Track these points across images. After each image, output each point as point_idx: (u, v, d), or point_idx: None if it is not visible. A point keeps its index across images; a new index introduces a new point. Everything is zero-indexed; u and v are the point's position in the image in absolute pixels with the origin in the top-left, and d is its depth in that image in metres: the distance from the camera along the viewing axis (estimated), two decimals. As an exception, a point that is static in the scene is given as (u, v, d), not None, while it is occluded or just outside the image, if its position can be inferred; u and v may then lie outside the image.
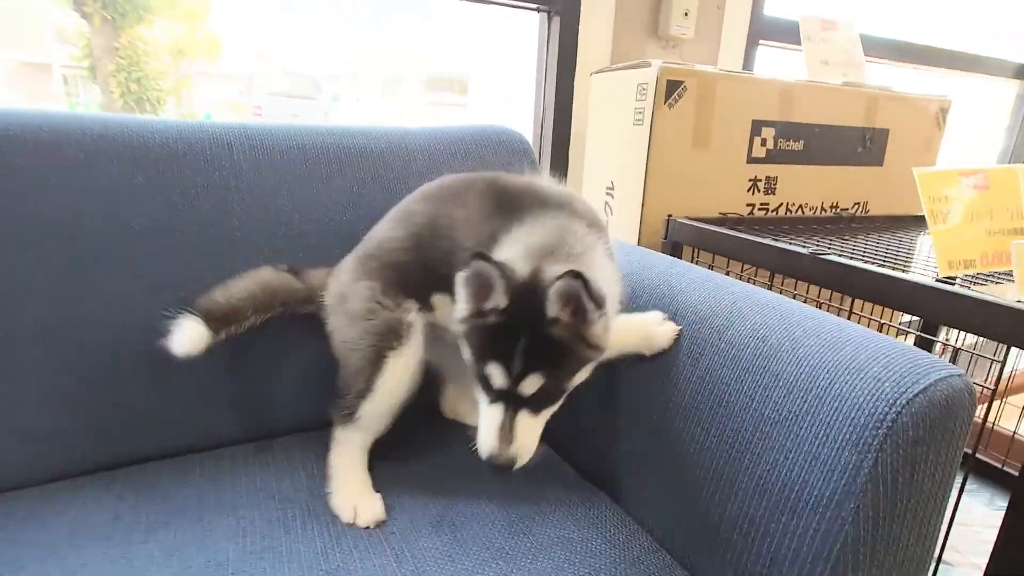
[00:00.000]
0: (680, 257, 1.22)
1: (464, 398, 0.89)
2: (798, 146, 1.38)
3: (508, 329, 0.59)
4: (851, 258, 0.89)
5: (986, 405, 0.83)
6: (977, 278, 0.91)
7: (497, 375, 0.60)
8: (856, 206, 1.53)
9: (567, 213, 0.71)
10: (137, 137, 0.79)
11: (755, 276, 1.20)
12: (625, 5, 1.58)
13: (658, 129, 1.21)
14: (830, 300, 1.21)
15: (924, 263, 1.06)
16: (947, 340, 1.36)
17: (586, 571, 0.62)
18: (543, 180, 0.80)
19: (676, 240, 1.19)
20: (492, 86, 1.93)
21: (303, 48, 1.63)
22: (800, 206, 1.45)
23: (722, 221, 1.24)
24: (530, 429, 0.62)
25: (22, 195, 0.71)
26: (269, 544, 0.62)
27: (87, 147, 0.75)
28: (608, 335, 0.64)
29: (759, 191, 1.37)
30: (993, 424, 1.54)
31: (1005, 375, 1.36)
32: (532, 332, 0.59)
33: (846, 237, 1.23)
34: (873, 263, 0.88)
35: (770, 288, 0.82)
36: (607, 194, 1.39)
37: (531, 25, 1.65)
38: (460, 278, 0.61)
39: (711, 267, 1.17)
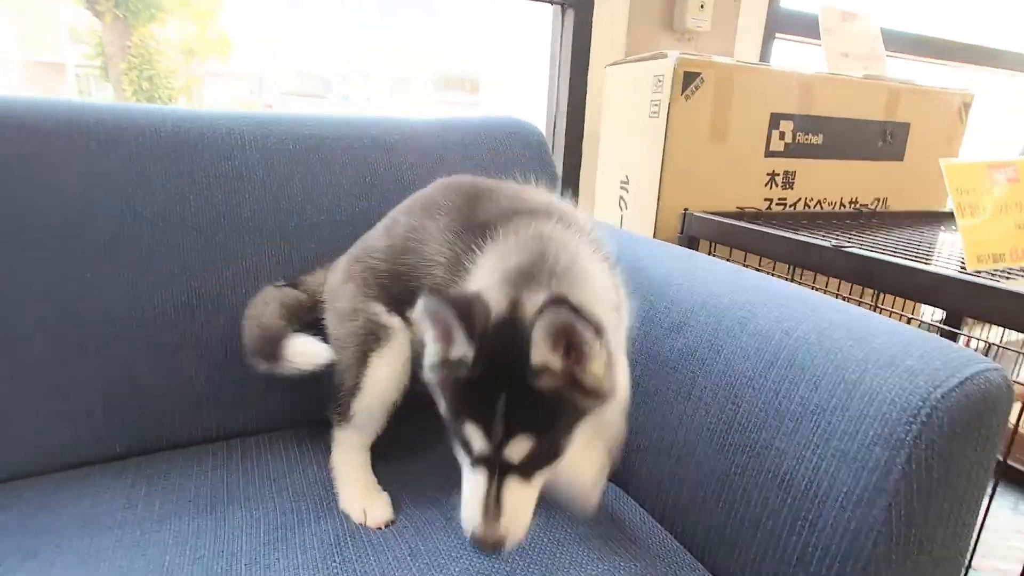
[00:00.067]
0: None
1: None
2: (817, 140, 1.36)
3: (484, 383, 0.48)
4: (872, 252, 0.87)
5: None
6: (1007, 273, 0.89)
7: (476, 438, 0.49)
8: (876, 202, 1.51)
9: (546, 218, 0.63)
10: (149, 127, 0.78)
11: (773, 271, 1.18)
12: (640, -3, 1.56)
13: (674, 121, 1.19)
14: (849, 295, 1.18)
15: (947, 258, 1.04)
16: (971, 336, 1.33)
17: (606, 568, 0.60)
18: (521, 186, 0.74)
19: (692, 234, 1.17)
20: (504, 84, 1.92)
21: (312, 48, 1.63)
22: (818, 201, 1.43)
23: (739, 216, 1.22)
24: (521, 500, 0.50)
25: (35, 183, 0.71)
26: (283, 536, 0.61)
27: (100, 136, 0.75)
28: (614, 372, 0.52)
29: (777, 186, 1.35)
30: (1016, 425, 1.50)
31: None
32: (515, 385, 0.48)
33: (866, 232, 1.20)
34: (896, 258, 0.86)
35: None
36: (621, 188, 1.37)
37: (541, 21, 1.63)
38: (419, 315, 0.51)
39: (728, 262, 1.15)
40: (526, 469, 0.49)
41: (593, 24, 1.54)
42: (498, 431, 0.48)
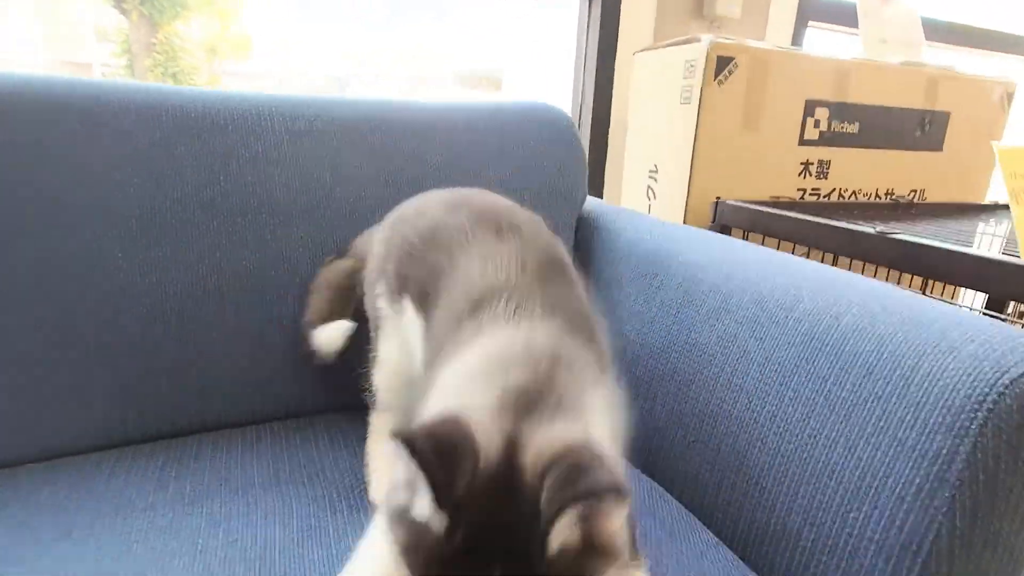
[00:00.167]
0: (728, 242, 1.17)
1: None
2: (853, 128, 1.32)
3: (469, 559, 0.35)
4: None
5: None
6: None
7: None
8: (912, 193, 1.46)
9: (557, 314, 0.51)
10: (179, 107, 0.78)
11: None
12: (670, -16, 1.53)
13: (707, 108, 1.17)
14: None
15: (987, 247, 1.00)
16: (1015, 322, 1.29)
17: (650, 562, 0.58)
18: (538, 230, 0.65)
19: (725, 223, 1.15)
20: (524, 80, 1.90)
21: (326, 48, 1.63)
22: (853, 192, 1.39)
23: (774, 204, 1.19)
24: None
25: (67, 161, 0.70)
26: (317, 523, 0.60)
27: (131, 115, 0.74)
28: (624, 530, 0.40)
29: (811, 175, 1.31)
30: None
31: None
32: (513, 558, 0.35)
33: (904, 223, 1.16)
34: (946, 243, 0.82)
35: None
36: (650, 177, 1.34)
37: (559, 15, 1.61)
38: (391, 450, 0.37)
39: (762, 252, 1.12)
40: None
41: (621, 12, 1.51)
42: None
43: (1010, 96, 1.49)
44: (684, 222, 1.22)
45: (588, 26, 1.55)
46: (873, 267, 0.98)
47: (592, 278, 0.94)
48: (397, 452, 0.35)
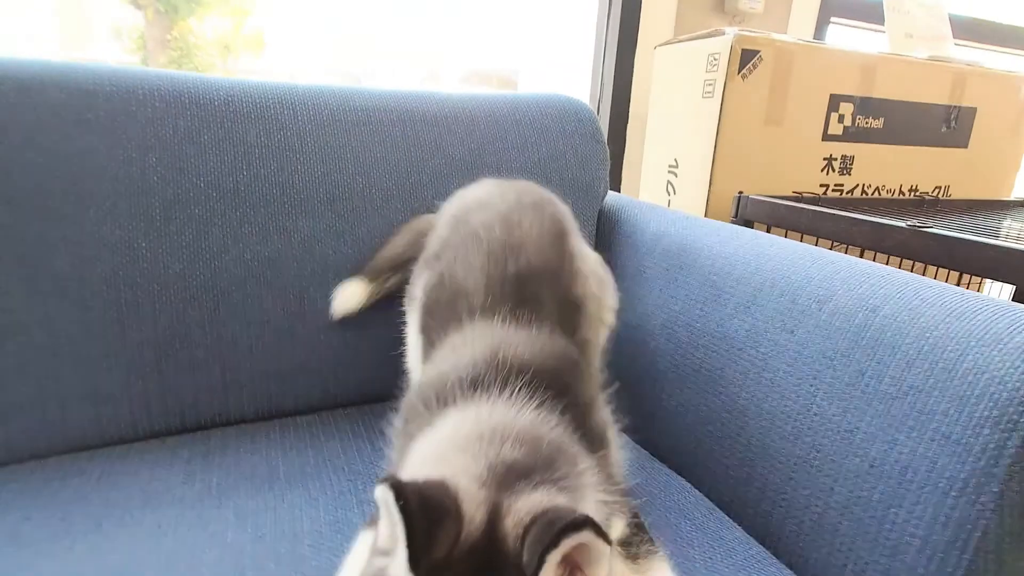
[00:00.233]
0: (751, 238, 1.15)
1: None
2: (878, 124, 1.30)
3: None
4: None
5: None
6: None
7: None
8: (937, 190, 1.44)
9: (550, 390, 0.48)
10: (203, 95, 0.77)
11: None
12: (690, -21, 1.52)
13: (730, 101, 1.15)
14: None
15: (1015, 241, 0.97)
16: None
17: (680, 559, 0.57)
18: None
19: (747, 218, 1.13)
20: (539, 76, 1.90)
21: (339, 45, 1.63)
22: (876, 188, 1.37)
23: (798, 200, 1.17)
24: None
25: (92, 149, 0.70)
26: (343, 516, 0.59)
27: (155, 103, 0.74)
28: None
29: (834, 171, 1.30)
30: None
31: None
32: None
33: (932, 219, 1.14)
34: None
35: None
36: (670, 172, 1.33)
37: (576, 11, 1.60)
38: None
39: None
40: None
41: (642, 7, 1.50)
42: None
43: (1038, 91, 1.47)
44: (704, 217, 1.21)
45: (608, 21, 1.54)
46: (897, 263, 0.96)
47: (614, 271, 0.93)
48: (383, 498, 0.33)
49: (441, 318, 0.60)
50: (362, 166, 0.83)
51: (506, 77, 1.89)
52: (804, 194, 1.24)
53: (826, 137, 1.26)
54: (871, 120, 1.29)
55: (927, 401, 0.51)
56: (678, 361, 0.78)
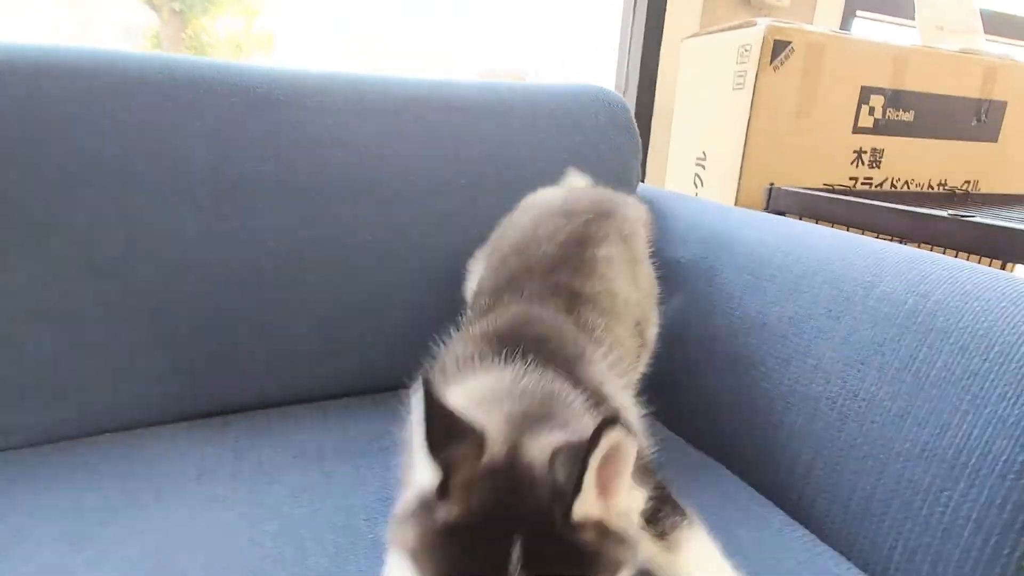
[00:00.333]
0: (781, 230, 1.15)
1: None
2: (908, 117, 1.29)
3: (480, 533, 0.34)
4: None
5: None
6: None
7: None
8: (966, 184, 1.43)
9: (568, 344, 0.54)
10: (245, 82, 0.77)
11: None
12: (717, -29, 1.51)
13: (761, 92, 1.15)
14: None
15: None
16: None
17: (727, 540, 0.57)
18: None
19: (779, 210, 1.13)
20: (555, 76, 1.90)
21: (348, 45, 1.63)
22: (906, 182, 1.36)
23: (830, 191, 1.17)
24: None
25: (141, 135, 0.70)
26: (394, 494, 0.60)
27: (200, 90, 0.74)
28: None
29: (863, 164, 1.29)
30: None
31: None
32: (531, 534, 0.34)
33: (965, 211, 1.13)
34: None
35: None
36: (697, 165, 1.33)
37: (590, 9, 1.59)
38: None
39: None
40: None
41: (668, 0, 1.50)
42: None
43: (1069, 86, 1.45)
44: (734, 210, 1.21)
45: (634, 14, 1.54)
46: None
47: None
48: (416, 390, 0.35)
49: (476, 305, 0.66)
50: (399, 154, 0.84)
51: (518, 75, 1.89)
52: (835, 187, 1.24)
53: (856, 130, 1.25)
54: (902, 113, 1.28)
55: (983, 385, 0.51)
56: (715, 349, 0.78)
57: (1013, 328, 0.52)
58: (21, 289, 0.65)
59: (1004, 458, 0.49)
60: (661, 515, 0.51)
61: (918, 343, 0.57)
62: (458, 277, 0.81)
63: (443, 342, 0.62)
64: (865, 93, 1.23)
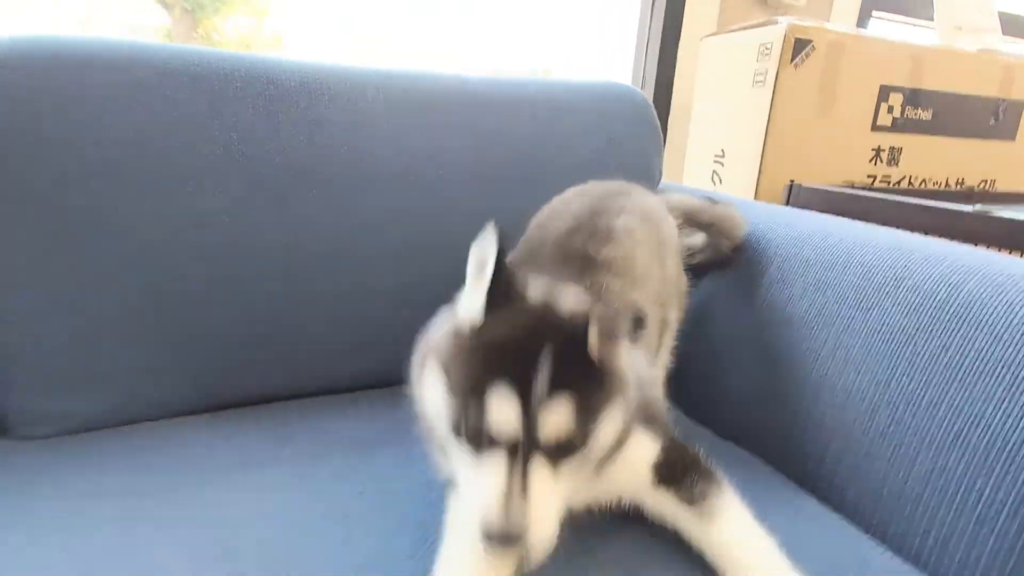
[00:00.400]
0: (800, 227, 1.16)
1: None
2: (926, 115, 1.30)
3: (519, 340, 0.43)
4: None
5: None
6: None
7: (504, 408, 0.40)
8: (983, 183, 1.43)
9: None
10: (280, 76, 0.78)
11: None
12: (734, -29, 1.52)
13: (782, 90, 1.16)
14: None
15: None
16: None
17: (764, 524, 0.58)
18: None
19: (800, 207, 1.14)
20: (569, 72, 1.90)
21: (355, 45, 1.64)
22: (923, 180, 1.37)
23: (851, 188, 1.18)
24: (551, 493, 0.41)
25: (177, 126, 0.72)
26: (436, 479, 0.61)
27: (236, 82, 0.75)
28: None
29: (882, 162, 1.30)
30: None
31: None
32: (558, 346, 0.42)
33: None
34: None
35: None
36: (716, 162, 1.34)
37: (599, 10, 1.59)
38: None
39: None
40: (556, 454, 0.41)
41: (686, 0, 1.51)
42: (538, 393, 0.40)
43: (1086, 85, 1.46)
44: (754, 207, 1.22)
45: (652, 13, 1.55)
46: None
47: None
48: (484, 234, 0.45)
49: None
50: (428, 148, 0.85)
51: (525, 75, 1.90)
52: (855, 184, 1.25)
53: (875, 128, 1.26)
54: (920, 111, 1.29)
55: (1017, 374, 0.52)
56: (743, 342, 0.79)
57: (1047, 318, 0.53)
58: (71, 283, 0.67)
59: (1039, 444, 0.50)
60: (688, 480, 0.51)
61: (950, 333, 0.58)
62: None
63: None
64: (884, 91, 1.24)
